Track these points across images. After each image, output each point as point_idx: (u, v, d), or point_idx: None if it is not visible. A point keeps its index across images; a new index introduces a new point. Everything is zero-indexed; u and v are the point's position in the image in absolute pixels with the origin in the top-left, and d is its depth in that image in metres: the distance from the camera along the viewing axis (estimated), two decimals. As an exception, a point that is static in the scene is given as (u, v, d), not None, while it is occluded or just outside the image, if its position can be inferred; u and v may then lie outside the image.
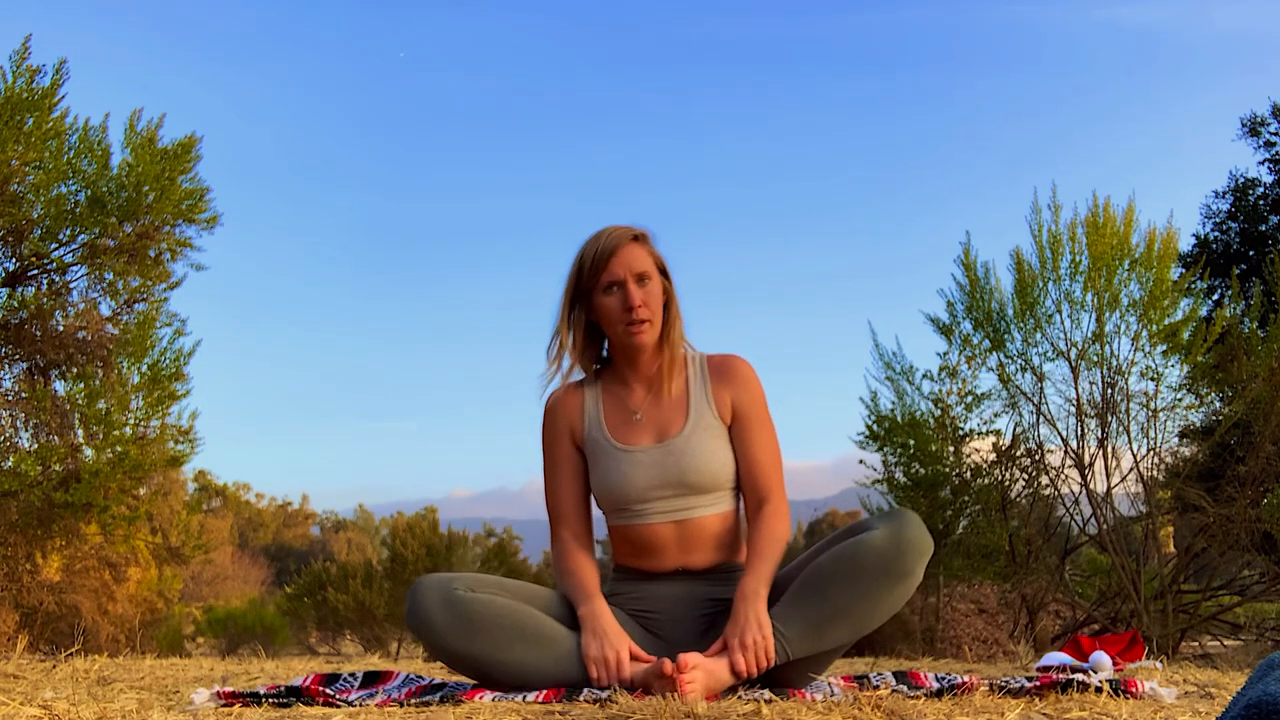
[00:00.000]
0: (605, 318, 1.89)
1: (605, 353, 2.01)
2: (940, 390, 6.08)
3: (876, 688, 1.64)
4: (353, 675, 1.88)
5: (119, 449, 4.81)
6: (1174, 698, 1.61)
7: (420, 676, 1.92)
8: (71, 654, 3.09)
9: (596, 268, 1.86)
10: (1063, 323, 5.56)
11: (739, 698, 1.59)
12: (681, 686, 1.56)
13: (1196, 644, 6.20)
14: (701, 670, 1.61)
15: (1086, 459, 5.52)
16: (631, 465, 1.87)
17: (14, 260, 4.72)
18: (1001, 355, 5.78)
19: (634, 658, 1.72)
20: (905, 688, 1.71)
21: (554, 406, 1.98)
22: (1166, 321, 5.43)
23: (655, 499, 1.87)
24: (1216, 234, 8.35)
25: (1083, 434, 5.53)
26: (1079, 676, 1.63)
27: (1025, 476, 5.89)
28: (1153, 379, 5.46)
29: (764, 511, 1.85)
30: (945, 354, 6.03)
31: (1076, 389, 5.51)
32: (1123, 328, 5.46)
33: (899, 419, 6.22)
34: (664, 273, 1.94)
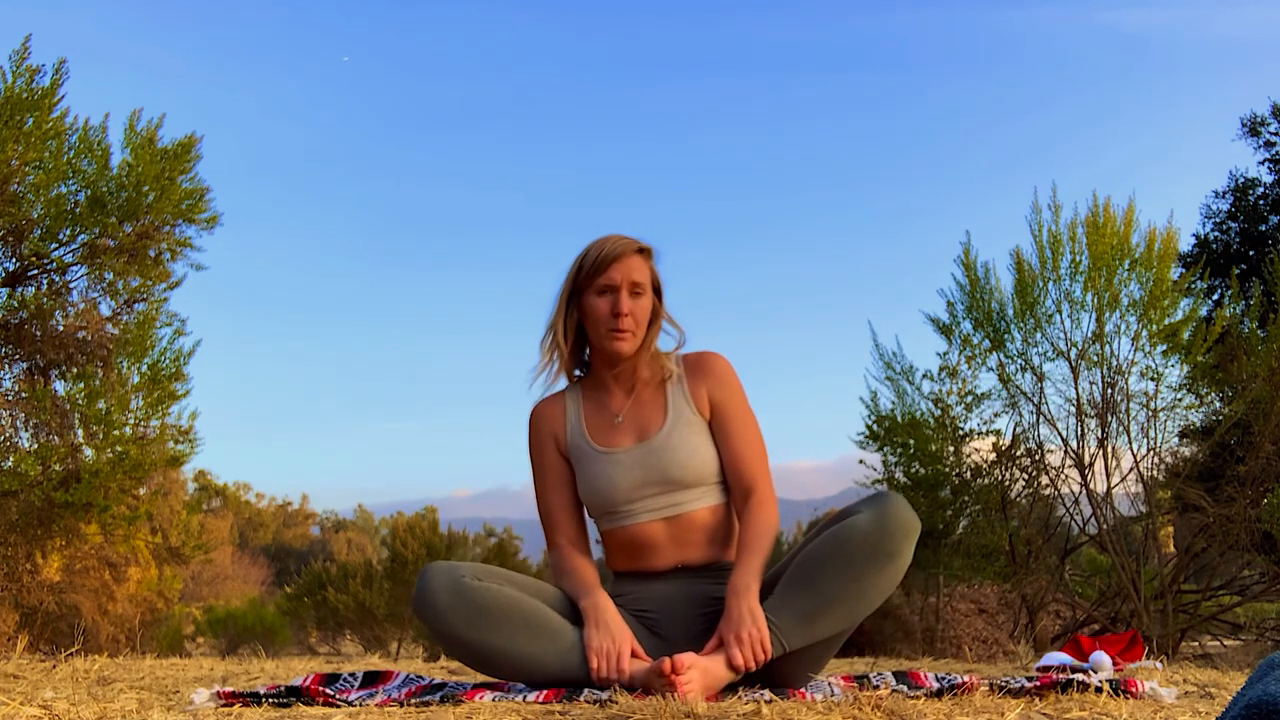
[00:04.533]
0: (591, 318, 1.91)
1: (587, 357, 2.03)
2: (940, 390, 6.09)
3: (876, 688, 1.64)
4: (353, 675, 1.88)
5: (119, 449, 4.81)
6: (1174, 698, 1.61)
7: (420, 676, 1.92)
8: (71, 654, 3.09)
9: (596, 269, 1.89)
10: (1063, 323, 5.56)
11: (739, 698, 1.59)
12: (679, 687, 1.56)
13: (1196, 644, 6.20)
14: (698, 669, 1.61)
15: (1086, 459, 5.52)
16: (614, 466, 1.89)
17: (14, 260, 4.72)
18: (1001, 355, 5.78)
19: (634, 656, 1.72)
20: (905, 688, 1.71)
21: (537, 417, 2.01)
22: (1166, 321, 5.43)
23: (641, 498, 1.88)
24: (1216, 234, 8.35)
25: (1083, 434, 5.53)
26: (1079, 676, 1.62)
27: (1025, 476, 5.89)
28: (1153, 379, 5.46)
29: (750, 503, 1.86)
30: (945, 354, 6.04)
31: (1076, 389, 5.51)
32: (1123, 328, 5.46)
33: (899, 419, 6.22)
34: (657, 291, 1.97)
